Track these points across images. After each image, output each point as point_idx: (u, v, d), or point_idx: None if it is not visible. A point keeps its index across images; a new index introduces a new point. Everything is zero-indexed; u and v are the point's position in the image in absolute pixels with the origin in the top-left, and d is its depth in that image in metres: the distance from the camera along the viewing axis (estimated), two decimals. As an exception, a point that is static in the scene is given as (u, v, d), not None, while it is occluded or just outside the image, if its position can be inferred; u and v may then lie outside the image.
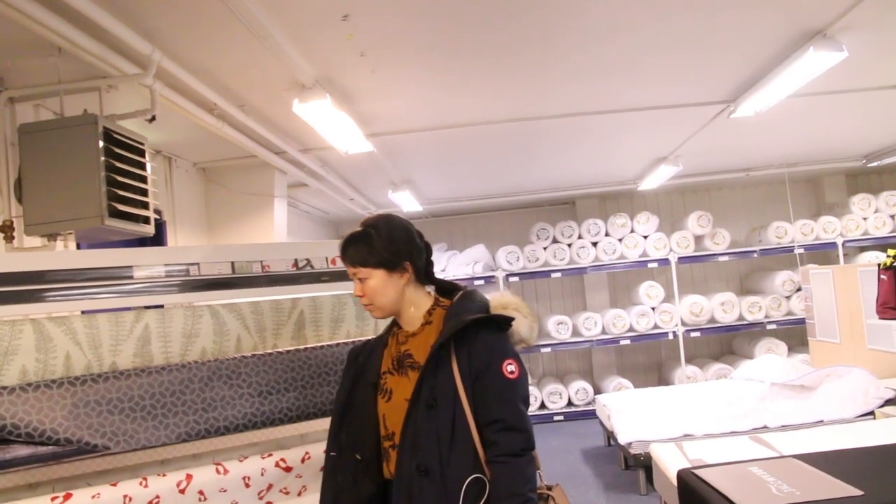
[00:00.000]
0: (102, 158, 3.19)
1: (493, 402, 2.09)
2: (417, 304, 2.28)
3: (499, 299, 2.29)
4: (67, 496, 2.26)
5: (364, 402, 2.28)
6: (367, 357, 2.35)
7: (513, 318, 2.20)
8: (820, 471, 3.60)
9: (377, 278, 2.21)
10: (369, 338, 2.47)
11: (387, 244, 2.20)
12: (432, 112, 5.11)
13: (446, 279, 2.41)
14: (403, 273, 2.23)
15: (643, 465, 5.59)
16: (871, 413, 5.46)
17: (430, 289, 2.35)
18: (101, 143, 3.19)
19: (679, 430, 5.76)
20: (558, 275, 9.18)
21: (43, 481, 2.33)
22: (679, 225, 9.51)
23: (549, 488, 2.24)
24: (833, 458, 3.89)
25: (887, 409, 5.35)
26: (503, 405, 2.08)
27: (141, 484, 2.38)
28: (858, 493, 3.22)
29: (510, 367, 2.11)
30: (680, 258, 9.09)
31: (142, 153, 3.54)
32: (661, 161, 7.52)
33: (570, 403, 9.04)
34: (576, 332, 9.18)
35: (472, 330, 2.12)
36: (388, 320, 2.38)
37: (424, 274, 2.30)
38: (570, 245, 9.22)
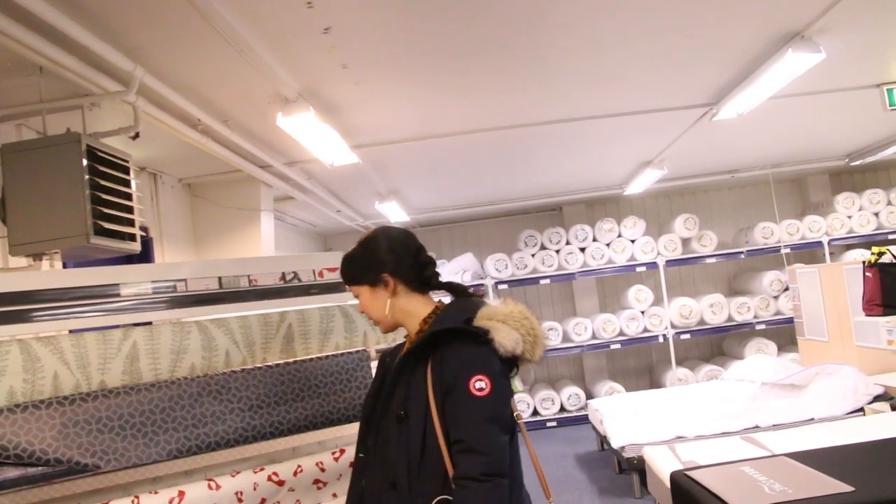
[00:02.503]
0: (86, 177, 3.19)
1: (457, 420, 1.96)
2: (414, 312, 2.20)
3: (488, 309, 2.13)
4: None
5: None
6: (392, 361, 2.27)
7: (484, 331, 2.03)
8: (811, 468, 3.61)
9: (364, 295, 2.21)
10: (402, 342, 2.38)
11: (365, 260, 2.20)
12: (417, 122, 5.12)
13: (460, 284, 2.31)
14: (386, 286, 2.18)
15: (637, 468, 5.60)
16: (861, 410, 5.49)
17: (439, 294, 2.28)
18: (84, 162, 3.18)
19: (671, 432, 5.78)
20: (547, 281, 9.20)
21: (34, 503, 2.32)
22: (666, 228, 9.54)
23: None
24: (824, 455, 3.91)
25: (876, 405, 5.39)
26: (465, 424, 1.95)
27: (133, 502, 2.36)
28: (849, 489, 3.24)
29: (479, 384, 1.96)
30: (668, 261, 9.12)
31: (126, 170, 3.53)
32: (646, 165, 7.56)
33: (562, 409, 9.04)
34: (566, 338, 9.20)
35: (446, 341, 2.04)
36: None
37: (420, 281, 2.21)
38: (558, 251, 9.25)
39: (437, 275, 2.25)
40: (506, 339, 2.02)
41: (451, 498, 1.93)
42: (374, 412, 2.20)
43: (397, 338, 2.69)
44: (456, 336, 2.04)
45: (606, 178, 8.56)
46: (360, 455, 2.24)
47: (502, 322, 2.07)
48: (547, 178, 8.09)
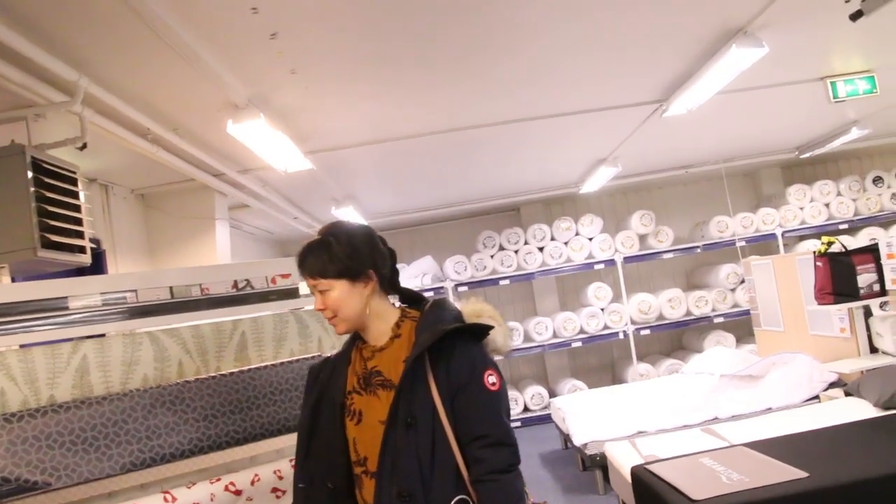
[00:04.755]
0: (32, 189, 3.13)
1: (477, 416, 1.97)
2: (383, 316, 2.12)
3: (472, 307, 2.16)
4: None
5: (331, 425, 2.12)
6: (329, 375, 2.18)
7: (491, 327, 2.08)
8: (768, 457, 3.68)
9: (339, 289, 2.04)
10: (328, 354, 2.30)
11: (348, 251, 2.05)
12: (369, 126, 5.11)
13: (412, 289, 2.26)
14: (368, 282, 2.07)
15: (600, 465, 5.63)
16: (817, 397, 5.59)
17: (395, 299, 2.21)
18: (29, 174, 3.13)
19: (633, 427, 5.83)
20: (507, 282, 9.21)
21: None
22: (623, 225, 9.63)
23: None
24: (780, 443, 3.99)
25: (831, 391, 5.49)
26: (488, 419, 1.98)
27: (87, 518, 2.33)
28: (804, 475, 3.31)
29: (491, 379, 2.00)
30: (625, 258, 9.20)
31: (74, 182, 3.48)
32: (600, 163, 7.62)
33: (525, 409, 9.08)
34: (527, 338, 9.22)
35: (449, 341, 1.99)
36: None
37: (389, 283, 2.15)
38: (516, 251, 9.26)
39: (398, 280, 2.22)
40: (498, 335, 2.10)
41: (467, 498, 1.95)
42: (311, 435, 2.15)
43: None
44: (458, 336, 2.01)
45: (562, 177, 8.62)
46: (301, 486, 2.15)
47: (490, 318, 2.12)
48: (503, 179, 8.13)
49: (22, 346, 2.53)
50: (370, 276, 2.07)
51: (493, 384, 1.99)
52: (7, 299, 2.50)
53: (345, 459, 2.10)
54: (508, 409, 2.06)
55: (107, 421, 2.42)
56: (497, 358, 2.13)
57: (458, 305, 2.16)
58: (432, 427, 1.95)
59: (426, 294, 7.71)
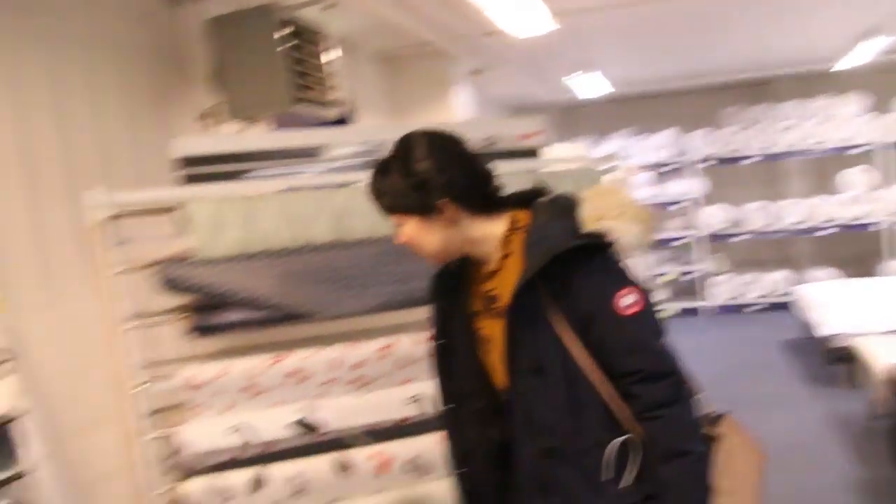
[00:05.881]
0: (284, 47, 3.24)
1: (618, 352, 1.64)
2: (484, 238, 1.75)
3: (594, 204, 1.79)
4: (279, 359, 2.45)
5: (465, 345, 1.86)
6: (455, 284, 1.88)
7: (611, 243, 1.70)
8: None
9: (412, 225, 1.73)
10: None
11: (412, 181, 1.69)
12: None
13: (524, 190, 1.82)
14: (441, 215, 1.70)
15: (845, 358, 5.29)
16: None
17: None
18: (281, 33, 3.23)
19: (889, 323, 5.36)
20: (753, 160, 8.77)
21: (261, 344, 2.54)
22: (890, 106, 8.66)
23: (714, 421, 1.82)
24: None
25: None
26: (632, 353, 1.65)
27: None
28: None
29: (625, 301, 1.63)
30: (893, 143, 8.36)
31: (320, 41, 3.56)
32: (868, 33, 6.74)
33: (766, 294, 8.76)
34: (772, 221, 8.80)
35: (562, 263, 1.63)
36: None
37: (483, 200, 1.75)
38: (765, 129, 8.74)
39: (499, 188, 1.80)
40: (628, 236, 1.78)
41: (632, 437, 1.66)
42: (446, 352, 1.90)
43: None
44: (574, 255, 1.65)
45: (819, 50, 7.80)
46: (451, 406, 1.93)
47: (618, 216, 1.78)
48: (754, 50, 7.56)
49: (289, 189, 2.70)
50: (441, 208, 1.69)
51: (631, 306, 1.63)
52: (270, 146, 2.70)
53: (487, 378, 1.84)
54: (658, 329, 1.70)
55: (363, 262, 2.54)
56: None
57: (588, 196, 1.79)
58: (563, 370, 1.67)
59: (663, 169, 7.43)
